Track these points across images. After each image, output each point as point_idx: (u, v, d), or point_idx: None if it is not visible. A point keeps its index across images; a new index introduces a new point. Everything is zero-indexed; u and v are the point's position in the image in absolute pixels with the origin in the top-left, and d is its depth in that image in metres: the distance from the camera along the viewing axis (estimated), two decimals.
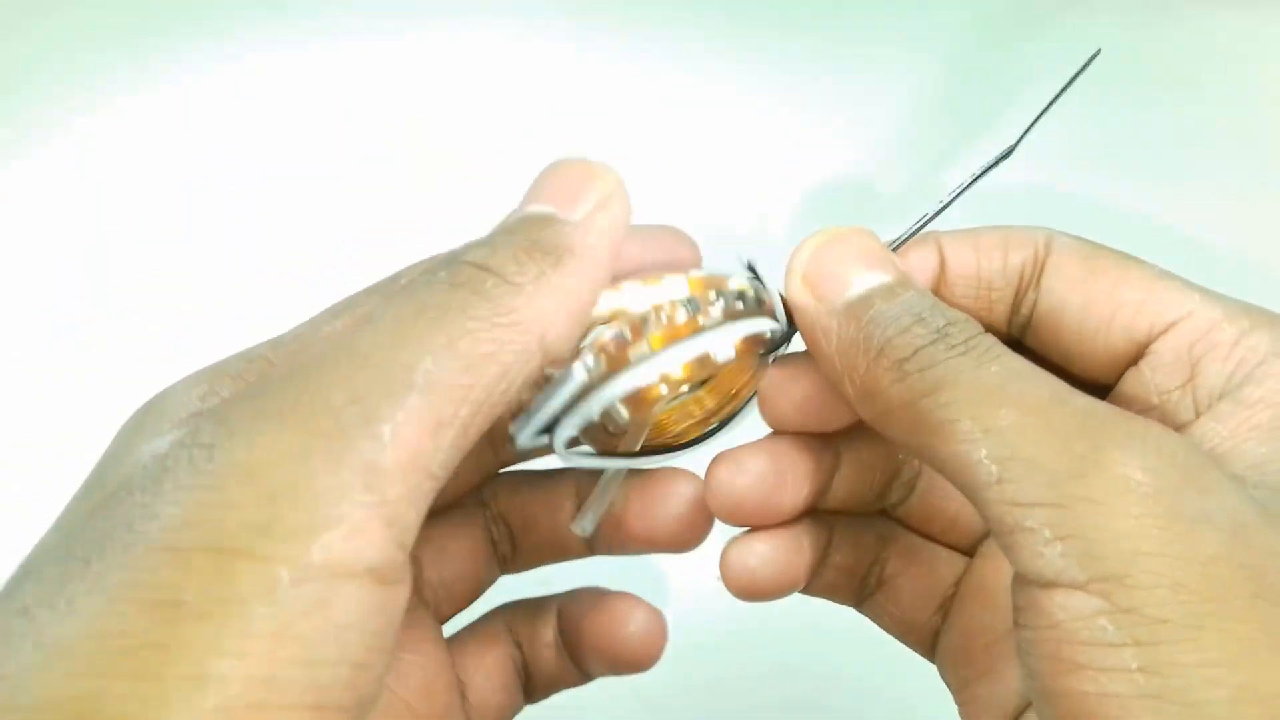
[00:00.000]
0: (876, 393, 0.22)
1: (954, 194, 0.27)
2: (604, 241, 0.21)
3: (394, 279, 0.23)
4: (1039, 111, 0.27)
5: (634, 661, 0.28)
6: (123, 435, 0.21)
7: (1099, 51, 0.27)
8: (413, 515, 0.18)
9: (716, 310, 0.24)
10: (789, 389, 0.26)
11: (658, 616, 0.28)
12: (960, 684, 0.28)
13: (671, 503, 0.27)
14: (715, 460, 0.26)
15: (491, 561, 0.29)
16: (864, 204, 0.51)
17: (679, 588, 0.43)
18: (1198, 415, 0.23)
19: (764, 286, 0.25)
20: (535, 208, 0.22)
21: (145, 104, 0.52)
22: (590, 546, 0.28)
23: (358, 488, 0.17)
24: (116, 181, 0.51)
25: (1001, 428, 0.20)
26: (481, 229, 0.23)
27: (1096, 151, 0.49)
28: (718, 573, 0.27)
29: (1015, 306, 0.27)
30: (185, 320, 0.49)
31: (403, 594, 0.18)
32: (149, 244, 0.50)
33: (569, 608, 0.29)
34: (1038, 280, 0.26)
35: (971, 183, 0.27)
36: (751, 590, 0.27)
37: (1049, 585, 0.19)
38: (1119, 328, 0.25)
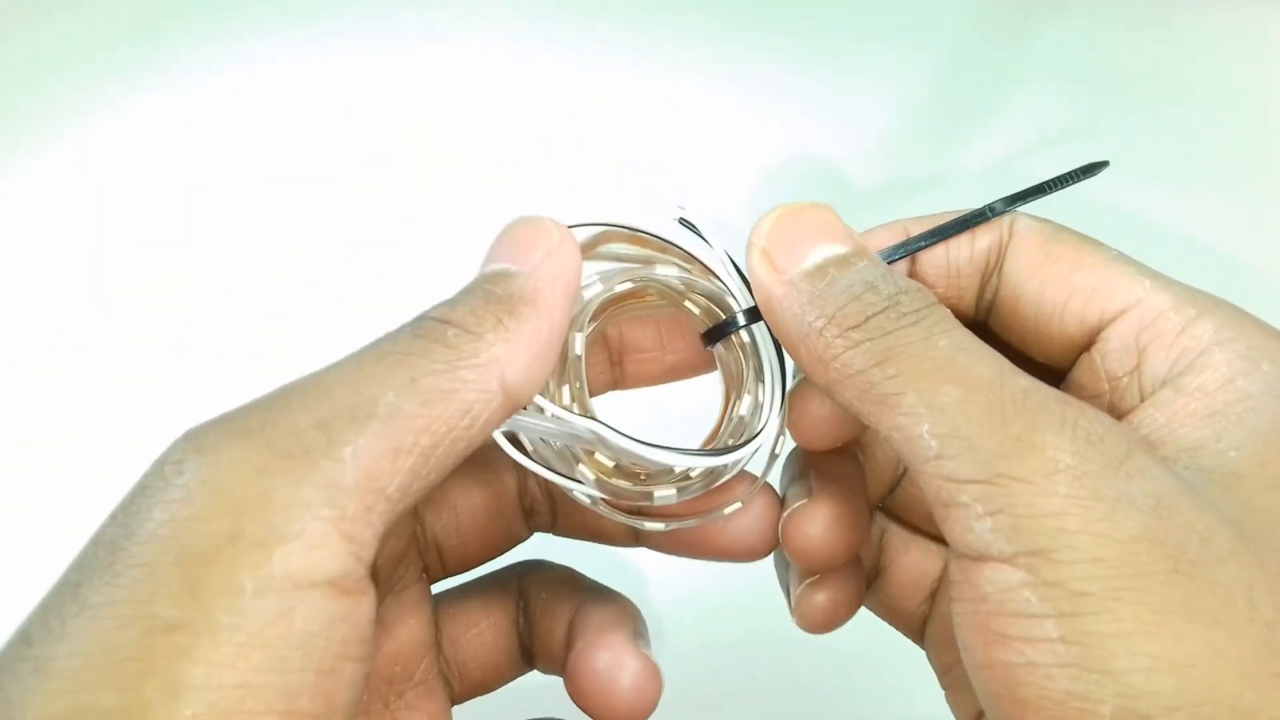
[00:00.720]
0: (828, 360, 0.23)
1: (930, 237, 0.27)
2: (555, 285, 0.23)
3: None
4: (1030, 188, 0.27)
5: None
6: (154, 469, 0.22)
7: (1106, 164, 0.28)
8: (369, 533, 0.19)
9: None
10: (812, 408, 0.27)
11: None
12: (943, 669, 0.29)
13: (621, 677, 0.27)
14: (789, 518, 0.27)
15: (516, 650, 0.29)
16: (865, 198, 0.51)
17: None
18: (1141, 401, 0.24)
19: (734, 270, 0.27)
20: (491, 266, 0.23)
21: (146, 105, 0.53)
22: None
23: (318, 503, 0.18)
24: (117, 182, 0.51)
25: (943, 404, 0.21)
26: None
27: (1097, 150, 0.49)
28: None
29: (980, 291, 0.27)
30: (185, 320, 0.49)
31: (366, 605, 0.19)
32: (149, 244, 0.51)
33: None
34: (1000, 266, 0.27)
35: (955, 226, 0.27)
36: (829, 626, 0.28)
37: (979, 558, 0.20)
38: (1072, 314, 0.25)
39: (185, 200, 0.51)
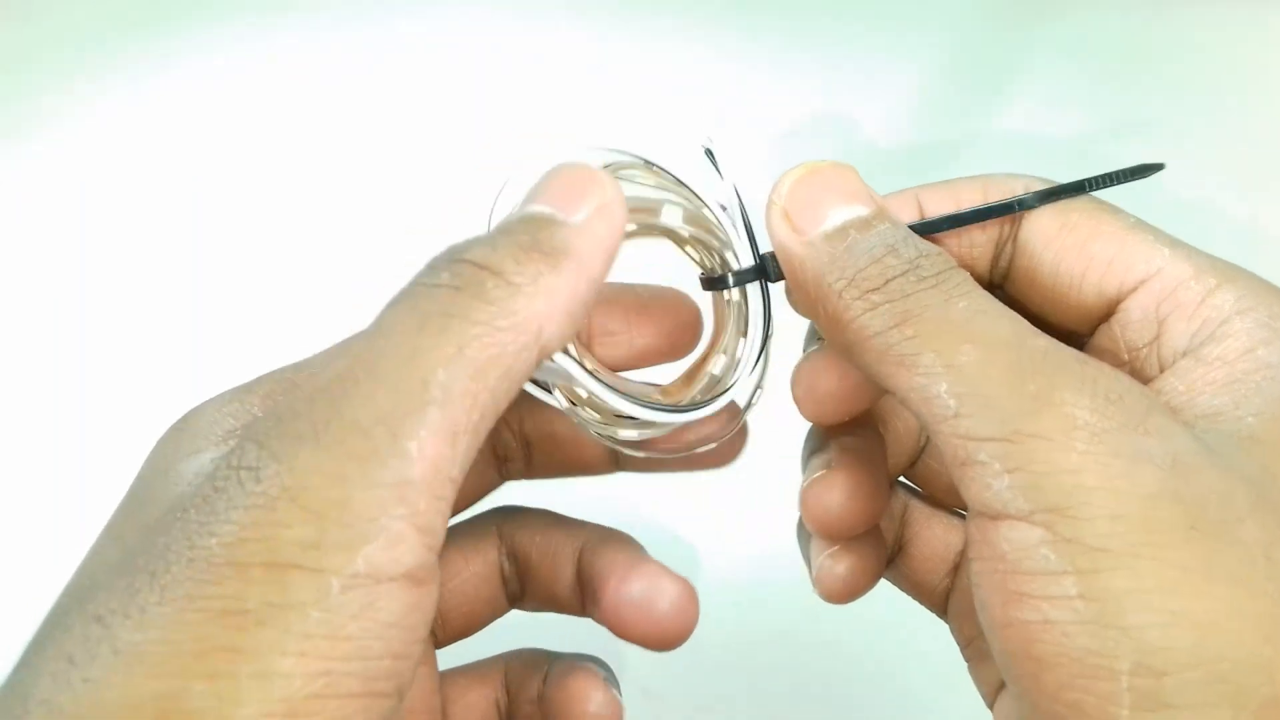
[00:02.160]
0: (846, 322, 0.23)
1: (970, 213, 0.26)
2: (601, 247, 0.22)
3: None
4: (1067, 185, 0.26)
5: None
6: (161, 451, 0.23)
7: (1161, 166, 0.27)
8: (440, 521, 0.20)
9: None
10: (819, 381, 0.27)
11: (613, 705, 0.28)
12: (966, 641, 0.29)
13: (661, 602, 0.27)
14: (808, 488, 0.27)
15: (500, 595, 0.30)
16: (884, 164, 0.51)
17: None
18: (1161, 371, 0.24)
19: (742, 220, 0.27)
20: (536, 207, 0.23)
21: (144, 95, 0.52)
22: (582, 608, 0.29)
23: (392, 502, 0.19)
24: (110, 172, 0.51)
25: (962, 364, 0.21)
26: (479, 217, 0.25)
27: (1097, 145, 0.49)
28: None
29: (995, 260, 0.27)
30: (186, 318, 0.49)
31: (434, 591, 0.20)
32: (148, 244, 0.51)
33: (555, 668, 0.29)
34: (1015, 234, 0.26)
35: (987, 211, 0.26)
36: (850, 595, 0.28)
37: (997, 516, 0.20)
38: (1090, 285, 0.25)
39: (187, 197, 0.51)
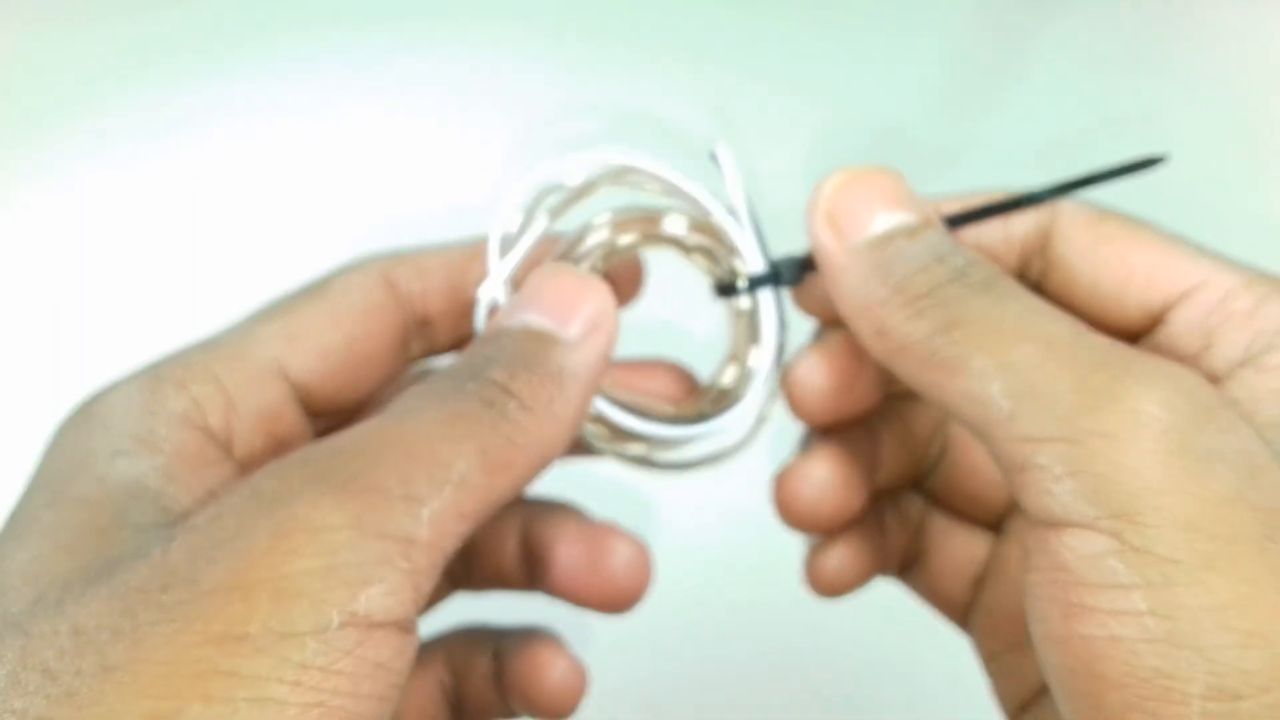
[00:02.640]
0: (891, 329, 0.22)
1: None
2: (599, 363, 0.23)
3: None
4: (1077, 179, 0.26)
5: (550, 710, 0.28)
6: (74, 443, 0.22)
7: (1163, 158, 0.26)
8: (429, 585, 0.20)
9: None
10: (813, 382, 0.26)
11: (577, 669, 0.28)
12: (989, 656, 0.28)
13: (613, 561, 0.27)
14: (780, 477, 0.27)
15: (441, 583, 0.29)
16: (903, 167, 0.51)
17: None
18: (1215, 383, 0.23)
19: (751, 225, 0.26)
20: (534, 319, 0.23)
21: (149, 111, 0.52)
22: (529, 583, 0.29)
23: (397, 556, 0.19)
24: (114, 183, 0.51)
25: (1016, 362, 0.20)
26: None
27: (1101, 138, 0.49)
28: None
29: (1020, 274, 0.26)
30: (182, 317, 0.49)
31: (415, 642, 0.20)
32: (148, 245, 0.50)
33: (505, 643, 0.29)
34: (1046, 249, 0.26)
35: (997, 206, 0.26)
36: (838, 590, 0.28)
37: (1057, 524, 0.19)
38: (1132, 297, 0.24)
39: (188, 205, 0.51)
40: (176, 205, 0.51)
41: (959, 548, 0.29)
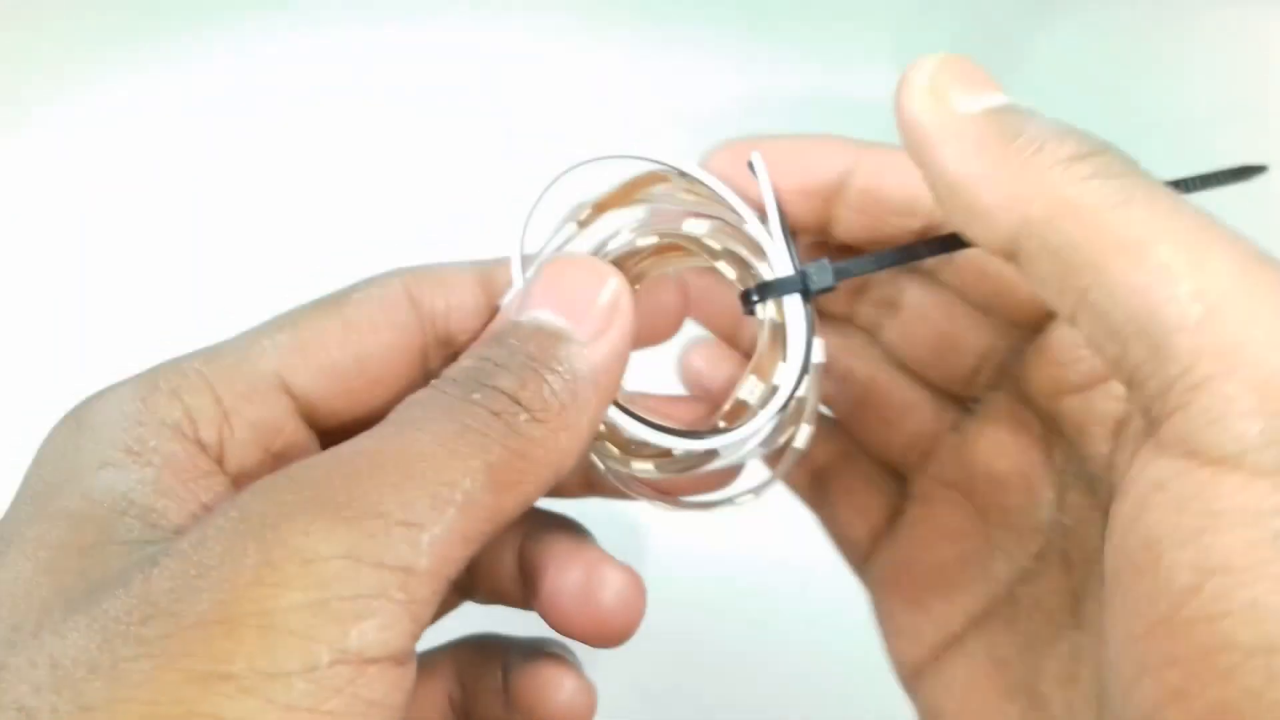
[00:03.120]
0: (1034, 192, 0.19)
1: None
2: (617, 366, 0.22)
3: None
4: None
5: None
6: (63, 455, 0.21)
7: (1264, 168, 0.24)
8: (428, 616, 0.19)
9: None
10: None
11: (586, 689, 0.27)
12: (885, 613, 0.28)
13: (604, 593, 0.26)
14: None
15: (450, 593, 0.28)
16: None
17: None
18: None
19: (781, 232, 0.25)
20: (546, 318, 0.22)
21: (143, 91, 0.51)
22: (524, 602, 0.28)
23: (394, 587, 0.18)
24: (110, 173, 0.50)
25: (1214, 266, 0.17)
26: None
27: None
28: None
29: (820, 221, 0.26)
30: (183, 318, 0.48)
31: (413, 672, 0.19)
32: (147, 240, 0.49)
33: (514, 657, 0.28)
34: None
35: None
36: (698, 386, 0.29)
37: (1218, 462, 0.17)
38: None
39: (184, 193, 0.49)
40: (176, 206, 0.50)
41: (863, 488, 0.29)
